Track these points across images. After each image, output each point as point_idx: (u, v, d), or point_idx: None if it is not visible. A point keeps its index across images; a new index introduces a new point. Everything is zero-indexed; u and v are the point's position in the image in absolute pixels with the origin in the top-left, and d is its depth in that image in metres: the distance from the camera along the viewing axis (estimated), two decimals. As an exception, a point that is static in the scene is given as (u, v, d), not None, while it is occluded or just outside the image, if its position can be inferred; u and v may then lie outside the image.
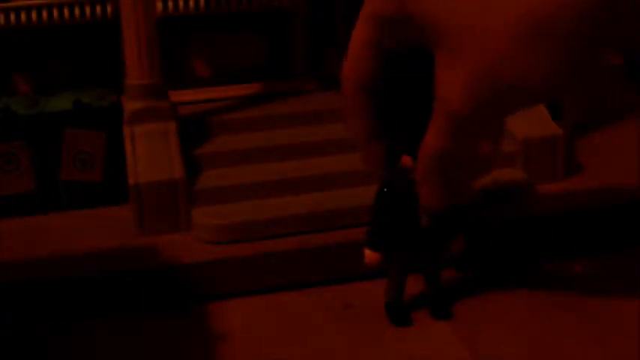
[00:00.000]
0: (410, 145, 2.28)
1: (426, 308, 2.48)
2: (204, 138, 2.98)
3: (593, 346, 2.34)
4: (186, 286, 2.58)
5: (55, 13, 3.04)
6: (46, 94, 2.99)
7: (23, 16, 3.02)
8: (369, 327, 2.45)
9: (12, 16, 3.01)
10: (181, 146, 2.84)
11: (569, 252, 2.81)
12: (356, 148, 3.07)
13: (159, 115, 2.85)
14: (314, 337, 2.41)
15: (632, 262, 2.75)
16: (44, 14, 3.03)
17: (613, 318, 2.46)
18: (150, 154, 2.80)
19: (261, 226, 2.70)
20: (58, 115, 2.90)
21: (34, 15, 3.02)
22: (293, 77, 3.31)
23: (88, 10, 3.06)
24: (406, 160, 2.28)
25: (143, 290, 2.55)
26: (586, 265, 2.76)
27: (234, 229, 2.68)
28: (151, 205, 2.74)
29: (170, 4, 3.13)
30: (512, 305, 2.54)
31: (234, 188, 2.81)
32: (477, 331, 2.43)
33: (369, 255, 2.37)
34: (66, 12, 3.04)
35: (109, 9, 3.06)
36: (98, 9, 3.07)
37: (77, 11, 3.05)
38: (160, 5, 3.09)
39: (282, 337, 2.42)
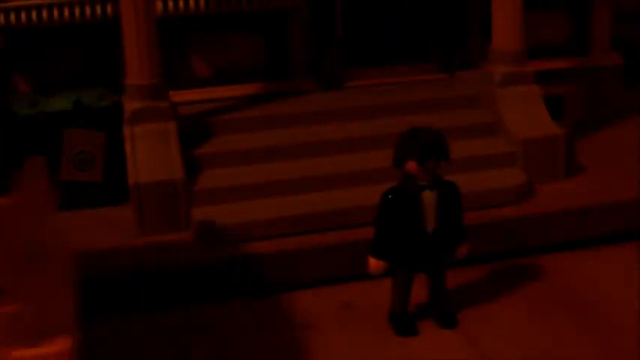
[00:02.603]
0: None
1: (431, 316, 2.47)
2: (204, 138, 2.98)
3: (594, 347, 2.34)
4: (186, 287, 2.58)
5: (56, 13, 3.05)
6: (46, 94, 2.99)
7: (23, 16, 3.02)
8: (370, 327, 2.45)
9: (12, 16, 3.01)
10: (181, 146, 2.85)
11: (569, 251, 2.82)
12: (355, 149, 3.09)
13: (159, 115, 2.85)
14: (313, 336, 2.41)
15: (632, 261, 2.75)
16: (44, 14, 3.03)
17: (613, 319, 2.46)
18: (150, 154, 2.80)
19: (261, 226, 2.70)
20: (58, 115, 2.90)
21: (34, 15, 3.03)
22: (293, 77, 3.31)
23: (88, 10, 3.06)
24: (411, 166, 2.27)
25: (143, 290, 2.55)
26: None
27: (234, 229, 2.68)
28: (151, 205, 2.74)
29: (170, 4, 3.12)
30: (513, 307, 2.54)
31: (234, 188, 2.81)
32: (476, 331, 2.43)
33: (374, 263, 2.36)
34: (66, 12, 3.05)
35: (109, 9, 3.06)
36: (98, 9, 3.07)
37: (77, 11, 3.05)
38: (160, 5, 3.09)
39: (284, 336, 2.43)
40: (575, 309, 2.50)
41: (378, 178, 2.75)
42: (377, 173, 2.80)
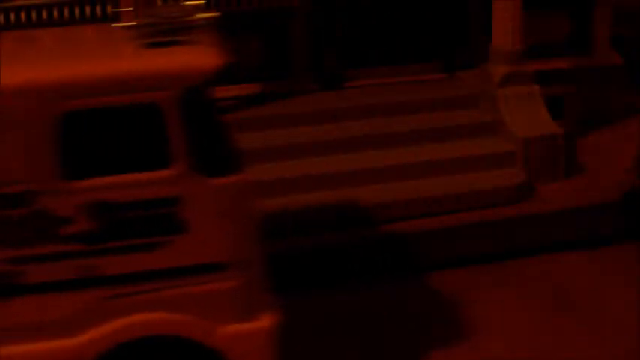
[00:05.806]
0: None
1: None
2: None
3: (594, 347, 2.34)
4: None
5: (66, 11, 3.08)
6: None
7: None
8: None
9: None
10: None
11: (569, 251, 2.83)
12: (354, 149, 3.08)
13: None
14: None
15: (632, 260, 2.75)
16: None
17: (613, 318, 2.46)
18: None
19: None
20: None
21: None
22: (293, 77, 3.30)
23: None
24: None
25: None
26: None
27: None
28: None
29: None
30: (513, 307, 2.55)
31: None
32: (478, 332, 2.43)
33: None
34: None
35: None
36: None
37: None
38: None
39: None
40: (575, 308, 2.51)
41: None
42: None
